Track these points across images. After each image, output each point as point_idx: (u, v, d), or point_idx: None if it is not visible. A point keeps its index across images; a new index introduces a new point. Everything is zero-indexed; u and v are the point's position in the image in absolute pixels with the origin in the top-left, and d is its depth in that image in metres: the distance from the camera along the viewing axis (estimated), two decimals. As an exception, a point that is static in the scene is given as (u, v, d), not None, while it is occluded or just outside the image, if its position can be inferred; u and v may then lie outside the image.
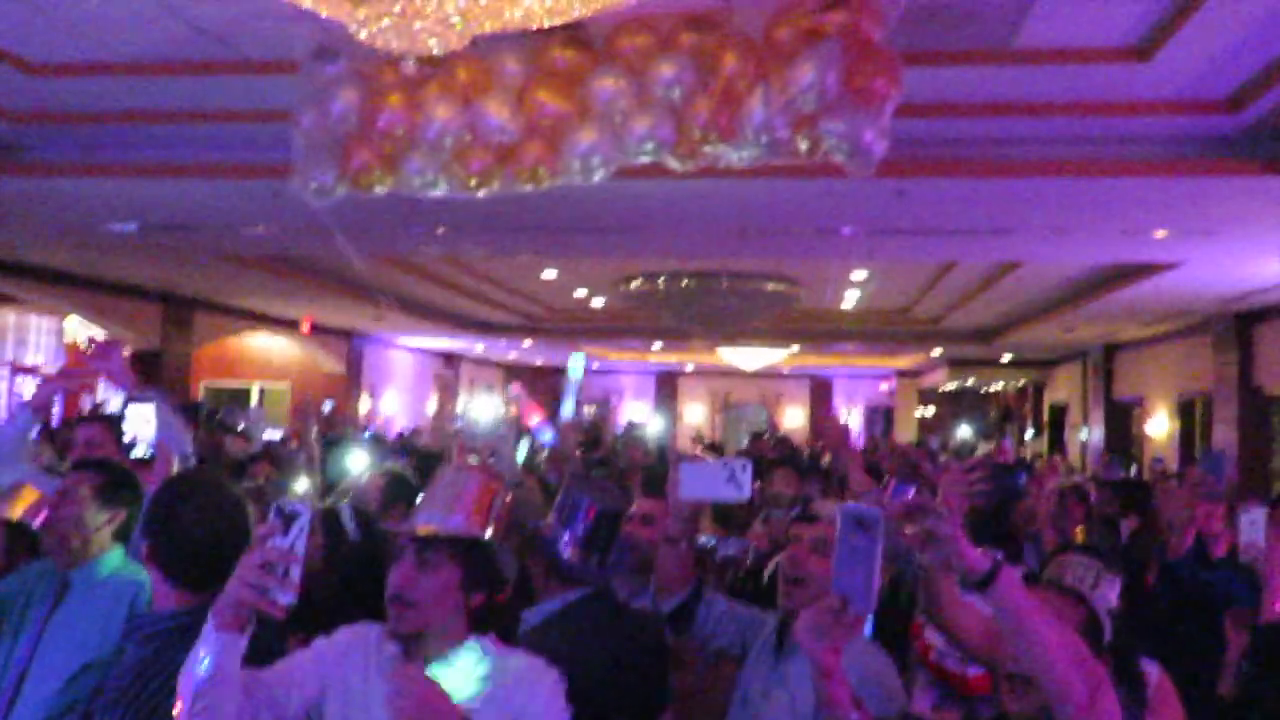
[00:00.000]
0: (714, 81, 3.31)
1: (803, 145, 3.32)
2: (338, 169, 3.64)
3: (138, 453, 3.53)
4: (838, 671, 1.68)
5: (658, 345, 17.87)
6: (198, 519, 2.15)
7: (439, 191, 3.67)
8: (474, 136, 3.52)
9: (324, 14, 3.14)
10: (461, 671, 1.88)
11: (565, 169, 3.54)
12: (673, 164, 3.53)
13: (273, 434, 10.59)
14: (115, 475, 2.72)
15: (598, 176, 3.55)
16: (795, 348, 16.79)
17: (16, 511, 3.67)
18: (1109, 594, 2.16)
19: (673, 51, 3.38)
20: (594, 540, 2.45)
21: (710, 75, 3.33)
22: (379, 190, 3.71)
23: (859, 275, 11.39)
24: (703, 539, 4.19)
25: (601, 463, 7.84)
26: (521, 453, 4.34)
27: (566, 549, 2.44)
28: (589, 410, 21.85)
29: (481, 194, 3.65)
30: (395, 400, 18.49)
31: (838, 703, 1.67)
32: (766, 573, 3.92)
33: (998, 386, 21.30)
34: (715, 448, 15.16)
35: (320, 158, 3.61)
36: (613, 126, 3.43)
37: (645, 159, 3.51)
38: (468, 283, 12.73)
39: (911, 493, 4.54)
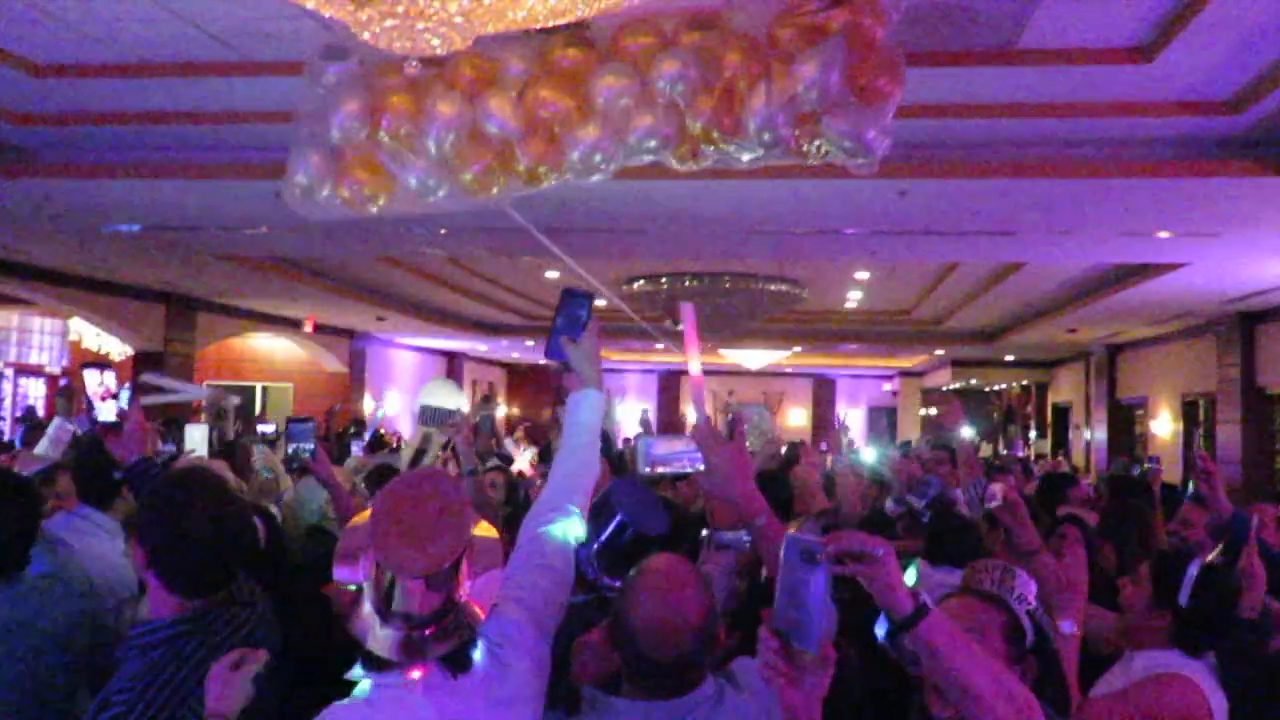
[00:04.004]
0: (716, 80, 3.30)
1: (806, 148, 3.32)
2: (333, 183, 3.61)
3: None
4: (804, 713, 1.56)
5: (660, 345, 17.88)
6: (202, 523, 2.08)
7: (438, 197, 3.64)
8: (475, 134, 3.50)
9: (326, 14, 3.14)
10: None
11: (566, 167, 3.52)
12: (675, 164, 3.52)
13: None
14: None
15: (597, 176, 3.53)
16: (798, 348, 16.78)
17: None
18: (1026, 593, 2.14)
19: (675, 50, 3.38)
20: (617, 556, 2.34)
21: (712, 73, 3.32)
22: (374, 209, 3.67)
23: (862, 275, 11.39)
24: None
25: None
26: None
27: (590, 564, 2.34)
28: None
29: (482, 199, 3.63)
30: (398, 400, 18.51)
31: None
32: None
33: (1001, 387, 21.29)
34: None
35: (315, 169, 3.58)
36: (614, 124, 3.42)
37: (647, 158, 3.50)
38: (469, 283, 12.74)
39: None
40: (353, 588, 1.73)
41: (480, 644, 1.76)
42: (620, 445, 10.74)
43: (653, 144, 3.41)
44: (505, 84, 3.50)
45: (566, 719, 1.91)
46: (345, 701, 1.76)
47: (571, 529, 2.10)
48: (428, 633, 1.67)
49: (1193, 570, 2.69)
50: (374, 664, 1.70)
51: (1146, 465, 10.01)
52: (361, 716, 1.72)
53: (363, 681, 1.75)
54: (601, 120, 3.43)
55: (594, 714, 1.87)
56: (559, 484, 2.18)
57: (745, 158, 3.39)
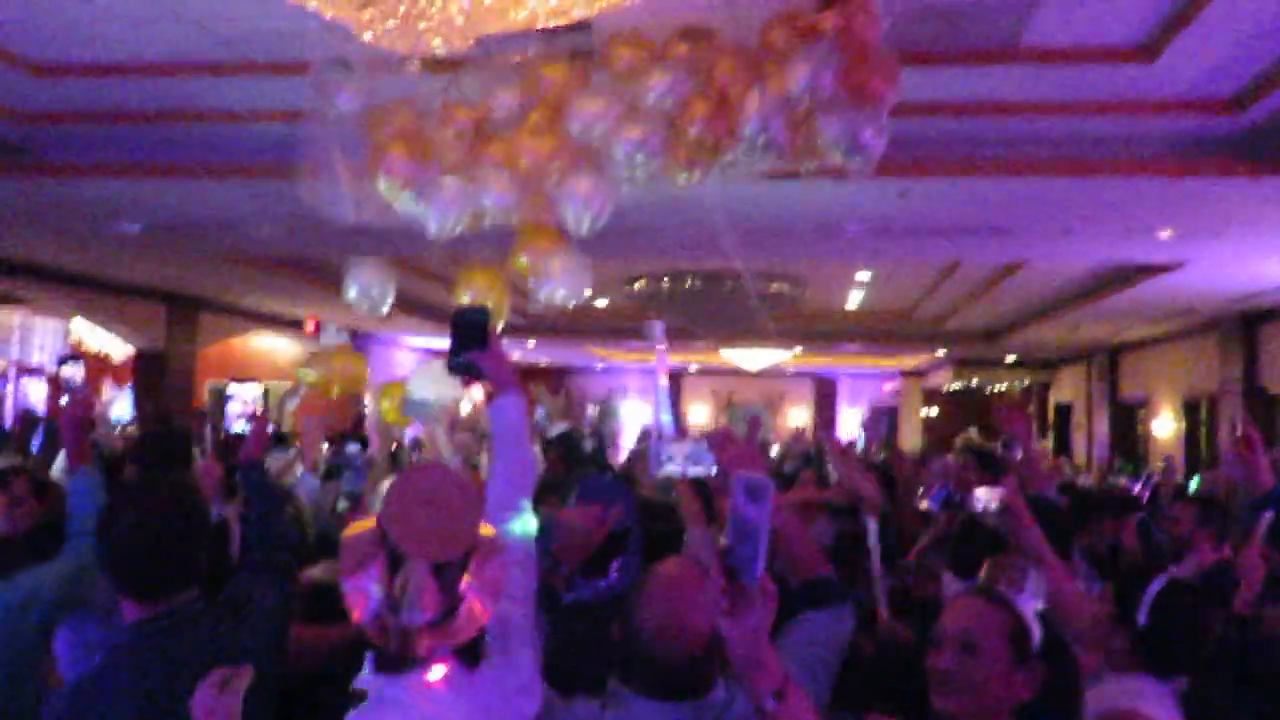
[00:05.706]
0: (709, 88, 3.32)
1: (802, 152, 3.33)
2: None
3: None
4: (757, 657, 1.58)
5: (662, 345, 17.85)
6: (135, 528, 2.07)
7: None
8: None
9: (329, 15, 3.15)
10: None
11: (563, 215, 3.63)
12: (672, 178, 3.55)
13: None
14: None
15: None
16: (799, 348, 16.77)
17: None
18: (1040, 593, 2.10)
19: (666, 62, 3.39)
20: (592, 558, 2.32)
21: (705, 82, 3.33)
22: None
23: (863, 275, 11.39)
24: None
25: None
26: None
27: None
28: (592, 411, 21.77)
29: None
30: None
31: (757, 690, 1.58)
32: None
33: (1002, 387, 21.26)
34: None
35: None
36: (604, 161, 3.48)
37: (641, 174, 3.53)
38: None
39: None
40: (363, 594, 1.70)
41: (487, 638, 1.78)
42: (622, 456, 10.65)
43: (641, 158, 3.43)
44: (499, 126, 3.57)
45: (602, 711, 1.92)
46: (363, 706, 1.74)
47: (528, 524, 2.11)
48: (440, 629, 1.69)
49: (1153, 587, 2.45)
50: (388, 665, 1.71)
51: (1161, 466, 9.94)
52: (394, 718, 1.71)
53: (375, 686, 1.74)
54: (594, 165, 3.49)
55: (614, 710, 1.89)
56: (504, 485, 2.16)
57: (742, 160, 3.40)
